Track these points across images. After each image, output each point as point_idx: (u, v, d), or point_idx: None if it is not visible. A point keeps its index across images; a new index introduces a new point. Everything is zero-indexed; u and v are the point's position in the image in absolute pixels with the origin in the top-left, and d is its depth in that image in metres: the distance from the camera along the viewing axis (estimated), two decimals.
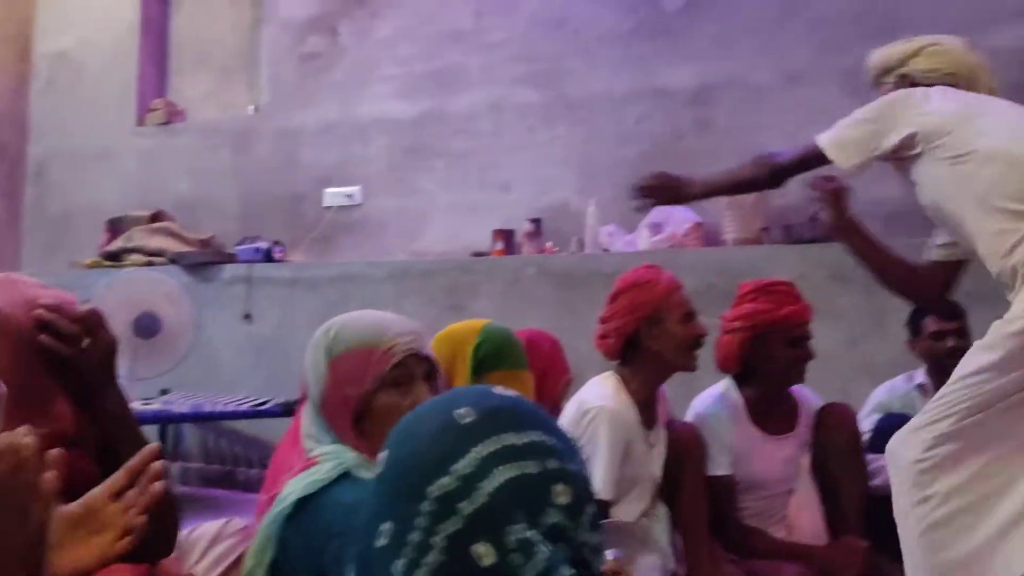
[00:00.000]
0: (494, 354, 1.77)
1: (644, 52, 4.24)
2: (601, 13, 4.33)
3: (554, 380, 2.07)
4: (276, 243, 4.74)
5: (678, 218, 3.83)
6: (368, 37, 4.85)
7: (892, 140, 1.89)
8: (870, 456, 2.42)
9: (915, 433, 1.69)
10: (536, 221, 4.21)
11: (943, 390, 1.71)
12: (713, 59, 4.09)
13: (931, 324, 2.79)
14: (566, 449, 0.81)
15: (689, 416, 2.44)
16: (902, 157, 1.92)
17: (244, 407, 3.96)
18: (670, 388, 2.50)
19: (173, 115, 5.36)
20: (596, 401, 2.16)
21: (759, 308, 2.28)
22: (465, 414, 0.81)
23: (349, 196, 4.77)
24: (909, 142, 1.88)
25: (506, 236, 4.26)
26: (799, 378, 2.38)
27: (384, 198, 4.72)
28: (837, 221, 2.12)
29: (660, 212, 3.90)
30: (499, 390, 0.86)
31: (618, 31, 4.29)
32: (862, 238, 2.10)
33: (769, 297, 2.30)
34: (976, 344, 1.72)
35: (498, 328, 1.84)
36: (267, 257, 4.66)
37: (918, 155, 1.88)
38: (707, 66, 4.10)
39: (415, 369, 1.38)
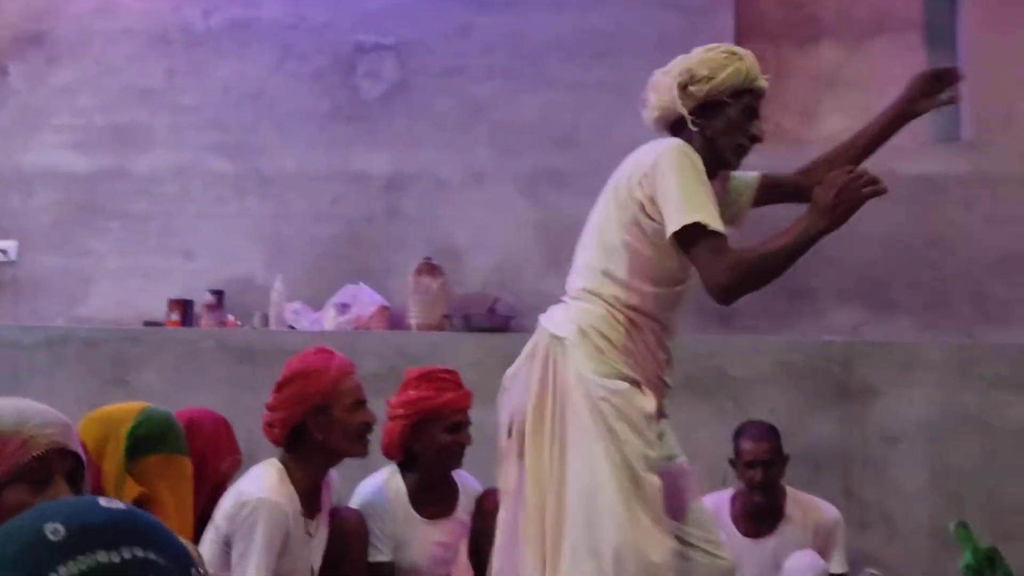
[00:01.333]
0: (151, 437, 1.66)
1: (341, 135, 4.30)
2: (299, 91, 4.34)
3: (215, 462, 1.98)
4: None
5: (364, 300, 3.87)
6: (43, 82, 4.46)
7: None
8: None
9: None
10: (218, 293, 4.05)
11: None
12: (406, 149, 4.24)
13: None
14: (174, 567, 0.75)
15: (354, 502, 2.44)
16: None
17: None
18: (350, 471, 2.49)
19: None
20: (255, 493, 2.09)
21: (421, 395, 2.36)
22: (55, 530, 0.73)
23: (3, 252, 4.29)
24: None
25: (183, 306, 4.04)
26: (456, 463, 2.48)
27: (44, 256, 4.29)
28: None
29: (348, 292, 3.93)
30: (105, 502, 0.80)
31: (315, 111, 4.32)
32: None
33: (431, 384, 2.39)
34: None
35: (158, 411, 1.75)
36: None
37: None
38: (400, 155, 4.24)
39: (56, 465, 1.25)
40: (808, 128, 4.25)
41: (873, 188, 1.87)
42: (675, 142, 1.98)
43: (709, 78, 2.00)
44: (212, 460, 1.98)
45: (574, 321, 1.96)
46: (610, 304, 1.96)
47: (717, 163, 2.05)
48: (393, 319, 3.96)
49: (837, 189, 1.84)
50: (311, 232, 4.21)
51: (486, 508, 2.49)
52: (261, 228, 4.25)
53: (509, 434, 2.00)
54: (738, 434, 3.12)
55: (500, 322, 3.82)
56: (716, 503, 3.12)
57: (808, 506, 3.09)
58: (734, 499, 3.13)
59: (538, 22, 4.20)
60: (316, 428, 2.18)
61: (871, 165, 3.92)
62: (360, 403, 2.25)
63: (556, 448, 1.90)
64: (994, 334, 3.72)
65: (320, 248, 4.21)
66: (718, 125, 2.03)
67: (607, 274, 1.98)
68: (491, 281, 4.06)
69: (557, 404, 1.92)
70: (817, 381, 3.60)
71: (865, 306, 3.87)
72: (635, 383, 1.94)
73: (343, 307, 3.87)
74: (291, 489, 2.16)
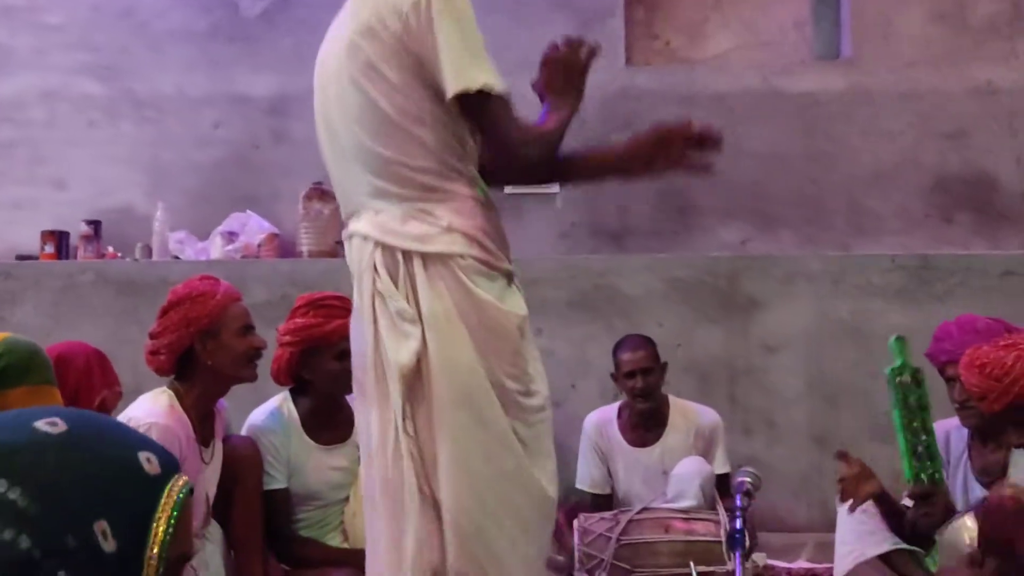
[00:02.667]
0: (14, 368, 1.60)
1: (221, 55, 4.11)
2: (174, 8, 4.12)
3: (89, 396, 1.92)
4: None
5: (253, 227, 3.77)
6: None
7: None
8: None
9: None
10: (95, 224, 3.87)
11: None
12: (292, 70, 4.08)
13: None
14: (41, 515, 0.70)
15: (245, 430, 2.42)
16: None
17: None
18: (242, 400, 2.46)
19: None
20: (145, 418, 2.05)
21: (309, 322, 2.34)
22: None
23: None
24: None
25: (58, 238, 3.85)
26: (347, 389, 2.45)
27: None
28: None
29: (235, 220, 3.82)
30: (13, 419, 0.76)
31: (192, 30, 4.11)
32: None
33: (319, 311, 2.36)
34: None
35: (21, 341, 1.68)
36: None
37: None
38: (286, 76, 4.08)
39: None
40: (696, 47, 4.29)
41: (587, 49, 1.70)
42: None
43: None
44: (86, 394, 1.92)
45: (453, 227, 1.61)
46: (466, 185, 1.65)
47: None
48: (283, 246, 3.87)
49: (560, 72, 1.69)
50: (193, 158, 4.05)
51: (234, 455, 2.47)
52: (138, 154, 4.06)
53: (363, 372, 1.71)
54: (616, 349, 3.21)
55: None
56: (604, 417, 3.22)
57: (689, 412, 3.22)
58: (620, 411, 3.23)
59: None
60: (204, 352, 2.14)
61: (755, 84, 4.01)
62: (248, 328, 2.22)
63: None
64: (868, 245, 3.90)
65: (203, 174, 4.05)
66: None
67: (434, 155, 1.62)
68: None
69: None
70: (704, 296, 3.71)
71: (750, 222, 3.99)
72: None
73: (230, 235, 3.76)
74: (183, 415, 2.13)
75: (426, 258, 1.60)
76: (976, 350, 2.04)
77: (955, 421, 2.39)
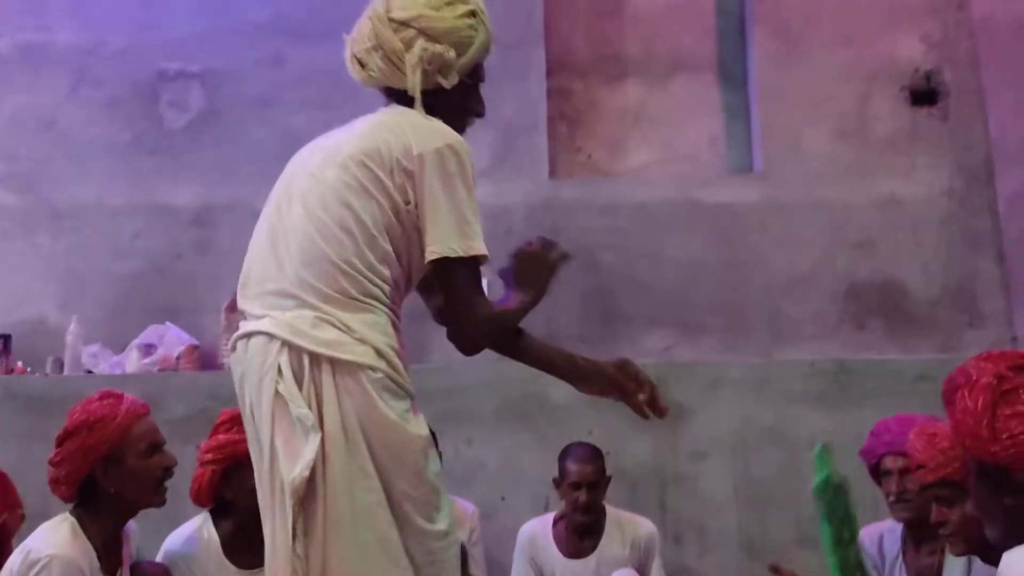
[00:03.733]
0: None
1: (144, 166, 4.09)
2: (96, 120, 4.10)
3: None
4: None
5: (171, 340, 3.67)
6: None
7: None
8: None
9: None
10: (4, 337, 3.73)
11: None
12: (216, 181, 4.08)
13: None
14: None
15: (161, 556, 2.29)
16: None
17: None
18: (152, 520, 2.34)
19: None
20: (45, 549, 1.91)
21: (232, 438, 2.23)
22: None
23: None
24: None
25: None
26: None
27: None
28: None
29: (153, 332, 3.72)
30: None
31: (115, 141, 4.09)
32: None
33: (243, 426, 2.28)
34: None
35: None
36: None
37: None
38: (210, 187, 4.07)
39: None
40: (618, 160, 4.44)
41: (558, 253, 1.81)
42: (451, 135, 1.64)
43: (456, 59, 1.66)
44: None
45: (364, 340, 1.57)
46: (385, 307, 1.62)
47: None
48: (204, 359, 3.77)
49: (530, 265, 1.77)
50: (110, 269, 3.96)
51: None
52: (53, 265, 3.96)
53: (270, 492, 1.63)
54: (563, 455, 3.17)
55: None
56: (539, 527, 3.16)
57: (626, 522, 3.18)
58: (556, 521, 3.18)
59: None
60: (107, 480, 2.01)
61: (674, 195, 4.15)
62: (156, 447, 2.09)
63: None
64: (788, 351, 4.00)
65: (121, 286, 3.96)
66: (449, 106, 1.69)
67: (370, 269, 1.60)
68: None
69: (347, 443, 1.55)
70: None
71: (674, 329, 4.06)
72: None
73: (147, 348, 3.65)
74: (86, 544, 1.99)
75: (335, 365, 1.55)
76: (928, 424, 2.09)
77: (888, 523, 2.41)
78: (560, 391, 3.75)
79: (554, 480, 3.18)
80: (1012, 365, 1.41)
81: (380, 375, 1.57)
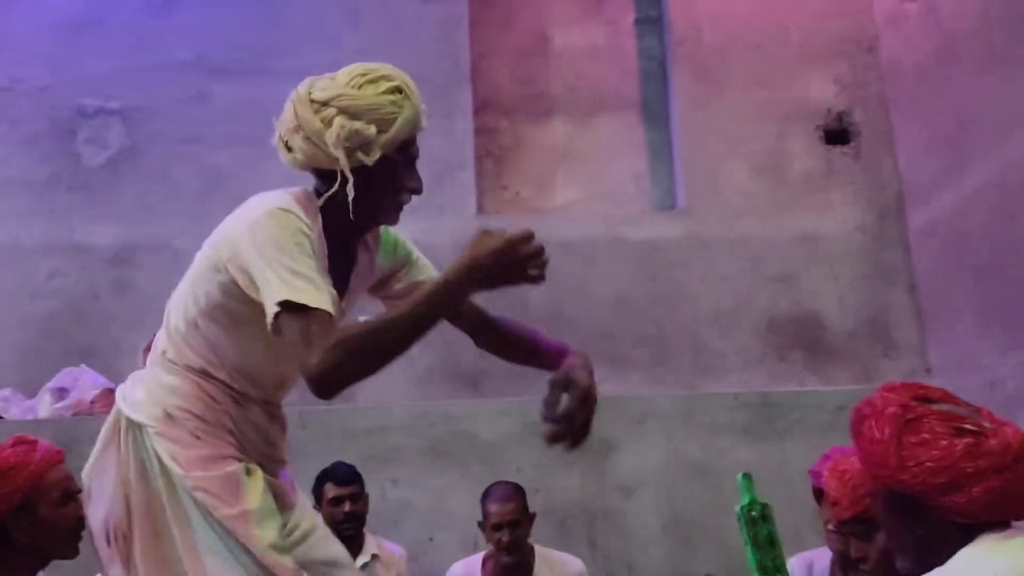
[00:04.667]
0: None
1: (61, 204, 3.98)
2: (11, 157, 3.99)
3: None
4: None
5: (86, 383, 3.55)
6: None
7: None
8: None
9: None
10: None
11: None
12: (136, 220, 4.00)
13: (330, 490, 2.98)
14: None
15: None
16: None
17: None
18: (66, 571, 2.24)
19: None
20: None
21: None
22: None
23: None
24: None
25: None
26: None
27: None
28: None
29: (67, 376, 3.59)
30: None
31: (31, 179, 3.98)
32: None
33: None
34: None
35: None
36: None
37: None
38: (130, 226, 3.99)
39: None
40: (544, 197, 4.49)
41: (539, 272, 1.58)
42: (270, 206, 1.61)
43: (378, 136, 1.62)
44: None
45: (158, 402, 1.67)
46: (202, 376, 1.69)
47: (370, 220, 1.74)
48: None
49: (499, 254, 1.53)
50: (24, 310, 3.83)
51: None
52: None
53: (108, 541, 1.69)
54: (485, 497, 3.15)
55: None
56: (468, 569, 3.12)
57: (555, 561, 3.17)
58: (485, 562, 3.15)
59: (279, 90, 4.13)
60: (19, 530, 1.93)
61: (600, 232, 4.21)
62: (70, 495, 2.01)
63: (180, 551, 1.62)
64: (713, 384, 4.07)
65: (34, 327, 3.83)
66: (379, 183, 1.67)
67: (197, 341, 1.69)
68: None
69: (158, 503, 1.63)
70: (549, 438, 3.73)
71: (601, 364, 4.02)
72: (242, 464, 1.68)
73: (60, 391, 3.53)
74: None
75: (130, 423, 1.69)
76: (843, 459, 2.13)
77: (819, 551, 2.45)
78: (488, 428, 3.76)
79: (479, 523, 3.16)
80: (915, 396, 1.46)
81: (169, 439, 1.66)
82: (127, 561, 1.66)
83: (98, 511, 1.71)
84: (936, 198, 3.97)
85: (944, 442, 1.39)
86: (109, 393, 3.59)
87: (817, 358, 4.16)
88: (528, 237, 1.54)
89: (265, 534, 1.63)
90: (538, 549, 3.18)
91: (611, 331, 4.08)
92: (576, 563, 3.19)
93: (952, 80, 3.81)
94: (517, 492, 3.15)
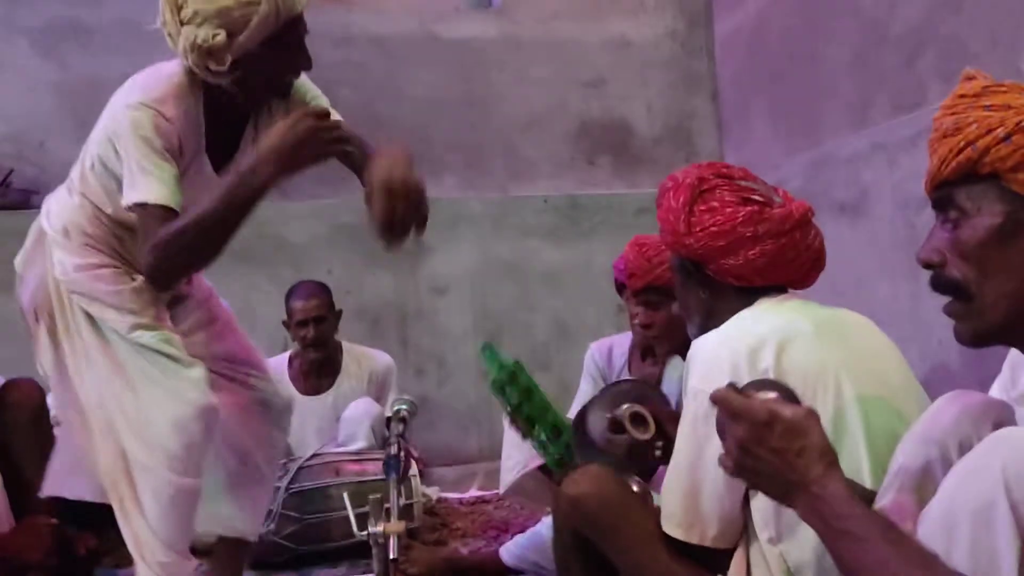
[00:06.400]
0: None
1: None
2: None
3: None
4: None
5: None
6: None
7: None
8: None
9: None
10: None
11: None
12: None
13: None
14: None
15: None
16: None
17: None
18: None
19: None
20: None
21: None
22: None
23: None
24: None
25: None
26: None
27: None
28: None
29: None
30: None
31: None
32: None
33: None
34: None
35: None
36: None
37: None
38: None
39: None
40: None
41: (340, 145, 1.66)
42: (132, 99, 1.67)
43: (230, 42, 1.62)
44: None
45: (61, 217, 1.81)
46: (95, 209, 1.80)
47: (256, 99, 1.79)
48: None
49: (300, 134, 1.58)
50: None
51: (9, 400, 2.31)
52: None
53: (37, 319, 1.82)
54: (288, 296, 3.13)
55: (18, 197, 3.37)
56: (275, 366, 3.13)
57: (362, 356, 3.23)
58: (291, 360, 3.16)
59: None
60: None
61: (413, 28, 4.03)
62: None
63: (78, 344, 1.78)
64: (524, 188, 4.12)
65: None
66: (254, 73, 1.69)
67: (88, 182, 1.80)
68: (4, 152, 3.53)
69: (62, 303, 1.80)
70: (372, 241, 3.70)
71: (417, 166, 4.02)
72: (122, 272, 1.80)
73: None
74: None
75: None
76: (644, 236, 2.24)
77: (619, 337, 2.58)
78: (297, 231, 3.67)
79: (284, 322, 3.15)
80: (715, 172, 1.53)
81: (64, 250, 1.80)
82: (53, 333, 1.80)
83: (26, 294, 1.84)
84: (741, 5, 4.04)
85: (730, 209, 1.47)
86: None
87: (624, 163, 4.28)
88: (324, 115, 1.62)
89: (133, 319, 1.75)
90: (345, 345, 3.21)
91: (425, 132, 3.99)
92: (384, 358, 3.26)
93: None
94: (321, 289, 3.13)
